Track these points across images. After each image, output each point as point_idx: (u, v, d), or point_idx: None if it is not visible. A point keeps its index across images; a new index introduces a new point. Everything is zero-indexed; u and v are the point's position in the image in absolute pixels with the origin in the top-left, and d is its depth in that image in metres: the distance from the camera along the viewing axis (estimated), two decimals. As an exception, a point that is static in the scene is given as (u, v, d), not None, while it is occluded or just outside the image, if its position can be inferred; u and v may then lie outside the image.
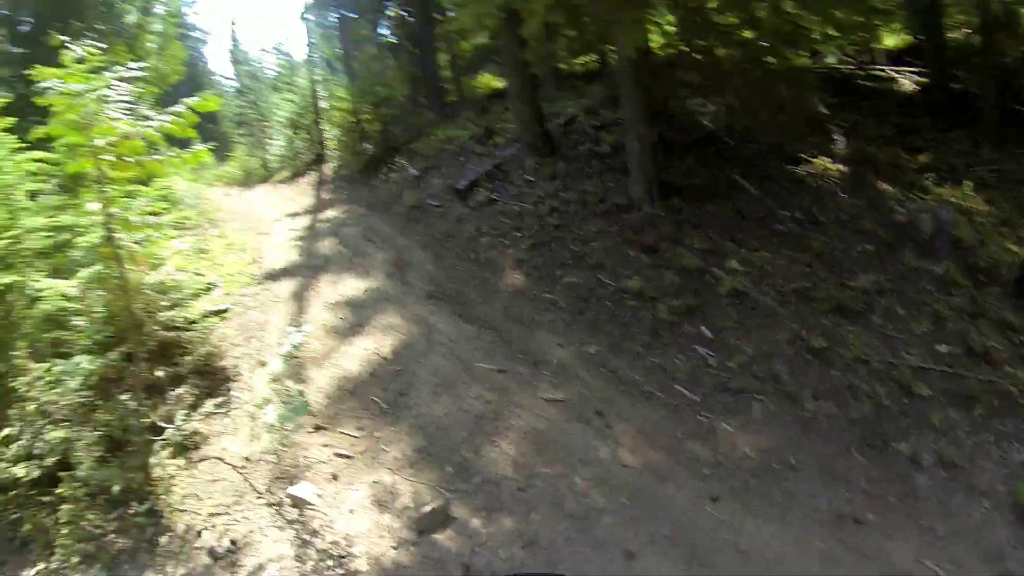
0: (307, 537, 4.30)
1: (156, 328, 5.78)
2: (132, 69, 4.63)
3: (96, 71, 4.45)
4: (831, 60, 10.91)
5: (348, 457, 5.14)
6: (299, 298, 8.21)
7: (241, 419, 5.62)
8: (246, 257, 10.04)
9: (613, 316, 6.85)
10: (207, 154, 5.26)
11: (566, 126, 11.87)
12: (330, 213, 13.05)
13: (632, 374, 6.04)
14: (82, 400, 4.74)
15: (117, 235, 4.61)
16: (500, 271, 8.25)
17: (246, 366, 6.48)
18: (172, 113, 4.72)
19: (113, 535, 4.36)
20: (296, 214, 13.60)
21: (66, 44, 4.42)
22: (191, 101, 4.79)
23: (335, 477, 4.91)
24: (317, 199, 15.19)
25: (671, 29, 8.69)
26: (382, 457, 5.12)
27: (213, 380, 6.22)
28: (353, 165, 16.26)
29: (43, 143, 5.15)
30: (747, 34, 7.60)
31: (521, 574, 4.03)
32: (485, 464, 4.93)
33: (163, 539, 4.37)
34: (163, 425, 5.00)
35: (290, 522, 4.45)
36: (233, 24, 72.54)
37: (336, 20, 22.51)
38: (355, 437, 5.39)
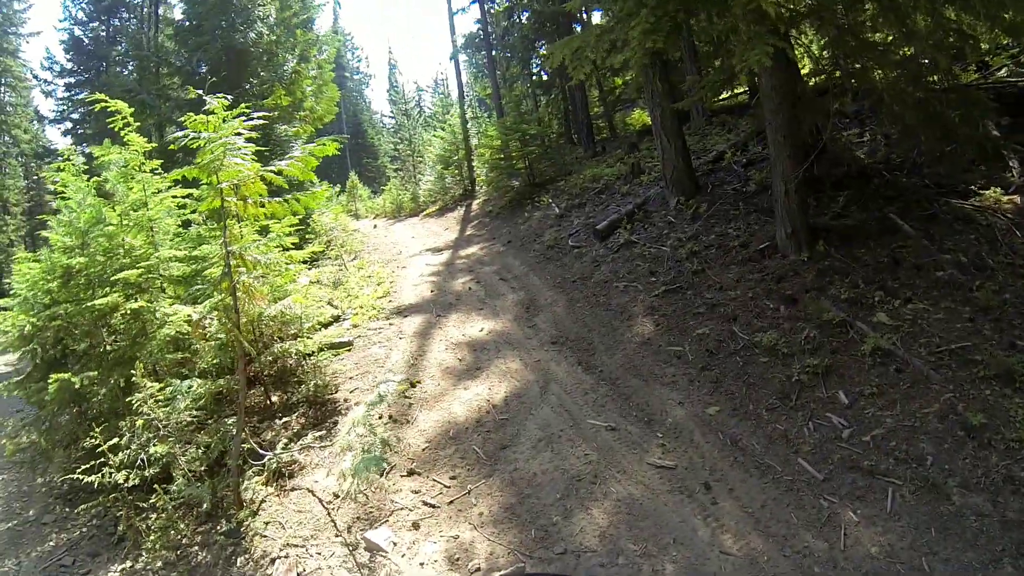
0: (370, 584, 4.21)
1: (270, 358, 6.10)
2: (254, 118, 4.97)
3: (237, 117, 4.85)
4: (1002, 74, 9.27)
5: (434, 507, 5.04)
6: (423, 336, 8.38)
7: (339, 454, 5.72)
8: (379, 291, 10.53)
9: (740, 374, 6.18)
10: (323, 195, 5.55)
11: (713, 163, 11.34)
12: (470, 249, 13.42)
13: (752, 442, 5.34)
14: (190, 419, 5.09)
15: (235, 270, 4.90)
16: (630, 318, 7.90)
17: (356, 400, 6.67)
18: (291, 157, 5.02)
19: (196, 548, 4.63)
20: (438, 249, 14.13)
21: (201, 96, 4.85)
22: (311, 146, 5.08)
23: (416, 526, 4.80)
24: (460, 234, 15.73)
25: (820, 53, 7.90)
26: (468, 511, 4.94)
27: (322, 411, 6.47)
28: (499, 201, 16.78)
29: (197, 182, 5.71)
30: (906, 50, 6.64)
31: (528, 574, 3.81)
32: (571, 532, 4.54)
33: (240, 560, 4.53)
34: (262, 452, 5.21)
35: (360, 565, 4.37)
36: (391, 66, 78.49)
37: (486, 60, 23.48)
38: (445, 486, 5.29)
